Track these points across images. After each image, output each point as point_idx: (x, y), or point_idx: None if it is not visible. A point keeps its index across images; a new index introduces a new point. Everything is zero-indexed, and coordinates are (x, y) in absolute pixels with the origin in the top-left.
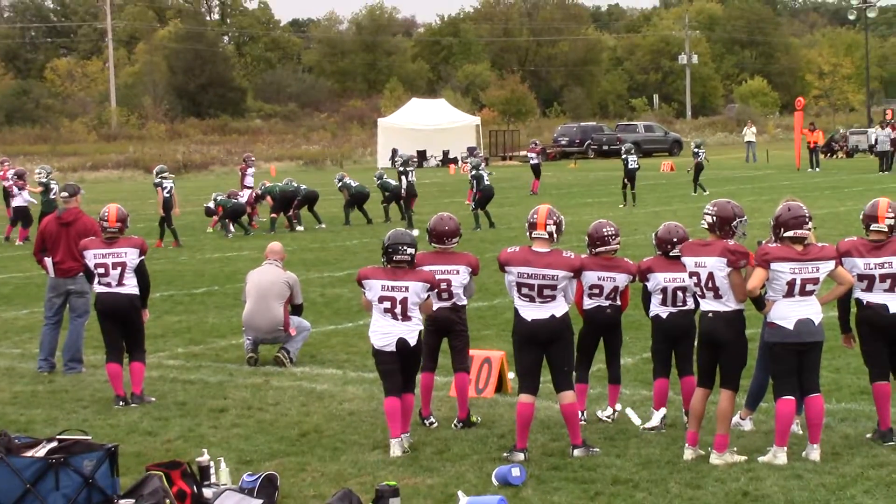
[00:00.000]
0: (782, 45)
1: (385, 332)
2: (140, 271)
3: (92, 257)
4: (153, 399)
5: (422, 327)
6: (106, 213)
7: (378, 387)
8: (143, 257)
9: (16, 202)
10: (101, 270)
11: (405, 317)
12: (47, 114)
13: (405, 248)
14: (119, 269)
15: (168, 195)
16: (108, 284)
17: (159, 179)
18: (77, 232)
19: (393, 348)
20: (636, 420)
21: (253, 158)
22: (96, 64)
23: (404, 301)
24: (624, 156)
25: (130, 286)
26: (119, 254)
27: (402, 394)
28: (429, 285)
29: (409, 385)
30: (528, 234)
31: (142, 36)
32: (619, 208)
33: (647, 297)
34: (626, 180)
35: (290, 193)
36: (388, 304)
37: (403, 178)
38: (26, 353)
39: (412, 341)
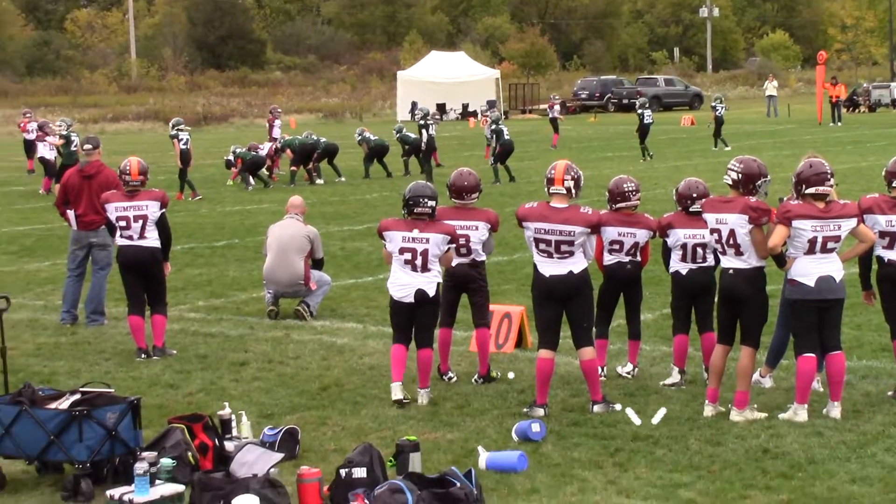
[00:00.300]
0: None
1: (404, 284)
2: (161, 224)
3: (113, 210)
4: (174, 352)
5: (440, 279)
6: (127, 167)
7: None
8: (164, 210)
9: (41, 153)
10: (123, 223)
11: (425, 268)
12: (68, 65)
13: (426, 200)
14: (140, 221)
15: (185, 147)
16: (130, 237)
17: (175, 132)
18: (99, 184)
19: (411, 299)
20: (636, 420)
21: (279, 110)
22: (116, 15)
23: (425, 253)
24: (640, 110)
25: (152, 239)
26: (140, 206)
27: (419, 347)
28: (449, 237)
29: (428, 339)
30: (546, 189)
31: None
32: (640, 163)
33: (666, 252)
34: (638, 133)
35: (310, 146)
36: (408, 256)
37: (424, 131)
38: (49, 305)
39: (431, 292)
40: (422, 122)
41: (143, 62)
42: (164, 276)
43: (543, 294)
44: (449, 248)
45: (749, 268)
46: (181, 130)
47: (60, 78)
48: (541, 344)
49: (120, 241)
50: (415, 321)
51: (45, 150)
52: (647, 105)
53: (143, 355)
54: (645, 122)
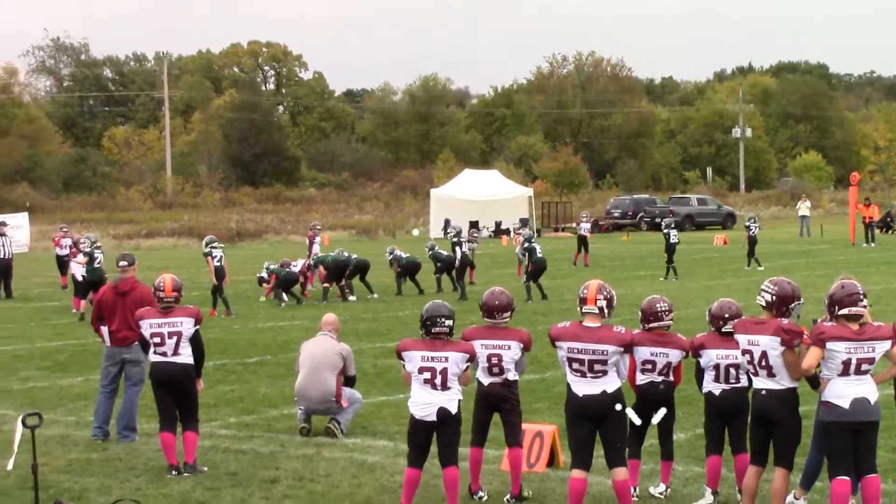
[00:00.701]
0: (837, 120)
1: (426, 403)
2: (195, 341)
3: (148, 327)
4: (206, 469)
5: (461, 397)
6: (161, 284)
7: (429, 461)
8: (198, 327)
9: (73, 271)
10: (157, 340)
11: (445, 387)
12: (104, 182)
13: (443, 319)
14: (175, 338)
15: (219, 264)
16: (164, 354)
17: (209, 249)
18: (133, 301)
19: (434, 418)
20: (636, 420)
21: (319, 226)
22: (153, 132)
23: (444, 371)
24: (665, 230)
25: (185, 355)
26: (175, 323)
27: (445, 466)
28: (468, 356)
29: (453, 457)
30: (578, 308)
31: (198, 105)
32: (672, 282)
33: (699, 373)
34: (666, 252)
35: (342, 263)
36: (428, 375)
37: (457, 248)
38: (81, 421)
39: (453, 410)
40: (455, 239)
41: (178, 179)
42: (196, 393)
43: (576, 414)
44: (468, 367)
45: (782, 389)
46: (215, 248)
47: (96, 194)
48: (574, 464)
49: (153, 358)
50: (438, 440)
51: (77, 269)
52: (671, 225)
53: (173, 472)
54: (671, 241)
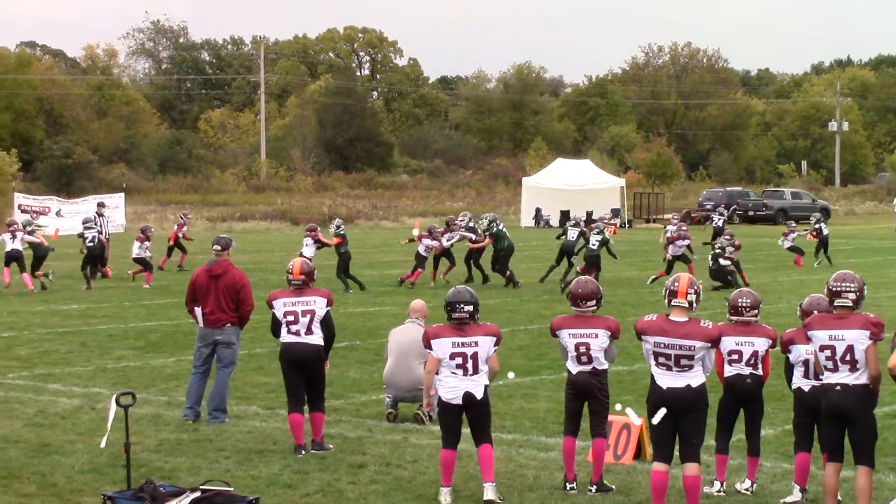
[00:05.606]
0: None
1: (452, 387)
2: (326, 322)
3: (281, 306)
4: (331, 447)
5: (488, 381)
6: (291, 267)
7: (515, 448)
8: (329, 308)
9: (137, 253)
10: (291, 318)
11: (476, 370)
12: (199, 164)
13: (462, 305)
14: (308, 317)
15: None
16: (297, 333)
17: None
18: (226, 284)
19: (459, 402)
20: (636, 420)
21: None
22: (248, 116)
23: (475, 356)
24: (817, 225)
25: (317, 336)
26: (308, 302)
27: (478, 444)
28: (495, 339)
29: (485, 436)
30: (666, 301)
31: (293, 90)
32: (815, 268)
33: (789, 368)
34: (821, 246)
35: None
36: (459, 360)
37: (582, 238)
38: (172, 401)
39: (478, 395)
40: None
41: (272, 162)
42: (325, 374)
43: (659, 406)
44: (495, 350)
45: (859, 385)
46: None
47: (192, 176)
48: (656, 457)
49: (286, 338)
50: (469, 421)
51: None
52: (821, 220)
53: (302, 452)
54: (823, 234)
